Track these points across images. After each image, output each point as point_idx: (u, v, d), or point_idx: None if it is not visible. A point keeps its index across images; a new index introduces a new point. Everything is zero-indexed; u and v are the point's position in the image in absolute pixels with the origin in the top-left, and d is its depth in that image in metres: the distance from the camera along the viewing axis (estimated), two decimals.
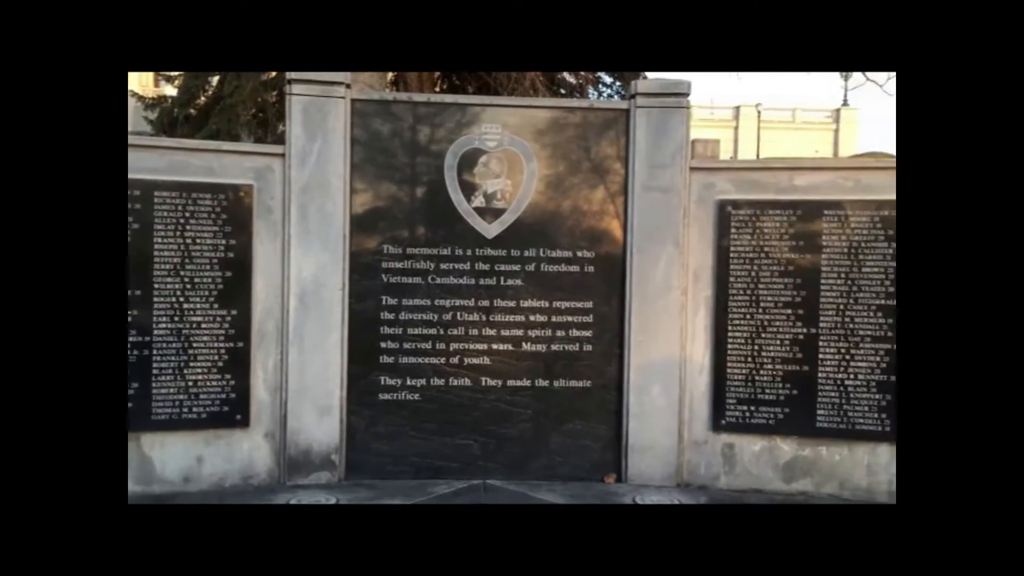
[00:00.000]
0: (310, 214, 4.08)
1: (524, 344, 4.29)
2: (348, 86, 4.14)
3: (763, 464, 4.23)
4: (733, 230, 4.25)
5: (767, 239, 4.21)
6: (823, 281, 4.17)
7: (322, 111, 4.09)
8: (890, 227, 4.08)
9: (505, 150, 4.27)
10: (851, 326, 4.14)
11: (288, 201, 4.07)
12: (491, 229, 4.28)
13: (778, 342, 4.21)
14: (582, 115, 4.37)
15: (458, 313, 4.25)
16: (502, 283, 4.28)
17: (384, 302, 4.21)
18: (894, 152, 6.02)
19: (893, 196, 4.08)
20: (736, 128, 43.25)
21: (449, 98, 4.17)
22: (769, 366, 4.21)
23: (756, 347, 4.22)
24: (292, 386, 4.07)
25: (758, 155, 35.86)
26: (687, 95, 4.30)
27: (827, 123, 44.66)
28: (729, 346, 4.25)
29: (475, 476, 4.21)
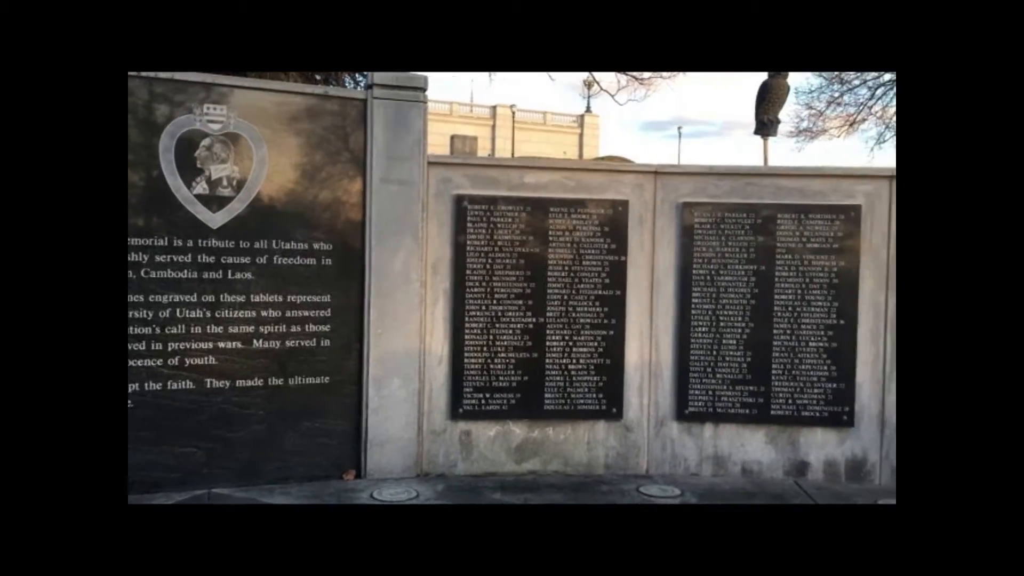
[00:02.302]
0: None
1: (255, 341, 4.04)
2: None
3: (497, 448, 4.44)
4: (469, 224, 4.39)
5: (500, 233, 4.42)
6: (550, 274, 4.48)
7: None
8: (606, 224, 4.51)
9: (230, 133, 3.98)
10: (573, 315, 4.50)
11: None
12: (216, 219, 3.96)
13: (511, 332, 4.44)
14: (318, 102, 4.21)
15: (178, 310, 3.87)
16: (230, 277, 3.98)
17: None
18: (630, 157, 6.78)
19: (609, 195, 4.52)
20: (493, 127, 45.11)
21: (164, 74, 3.76)
22: (503, 355, 4.43)
23: (491, 337, 4.42)
24: None
25: (512, 153, 37.77)
26: (424, 89, 4.34)
27: (573, 127, 48.36)
28: (466, 337, 4.40)
29: (199, 486, 3.89)
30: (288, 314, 4.10)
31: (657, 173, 4.63)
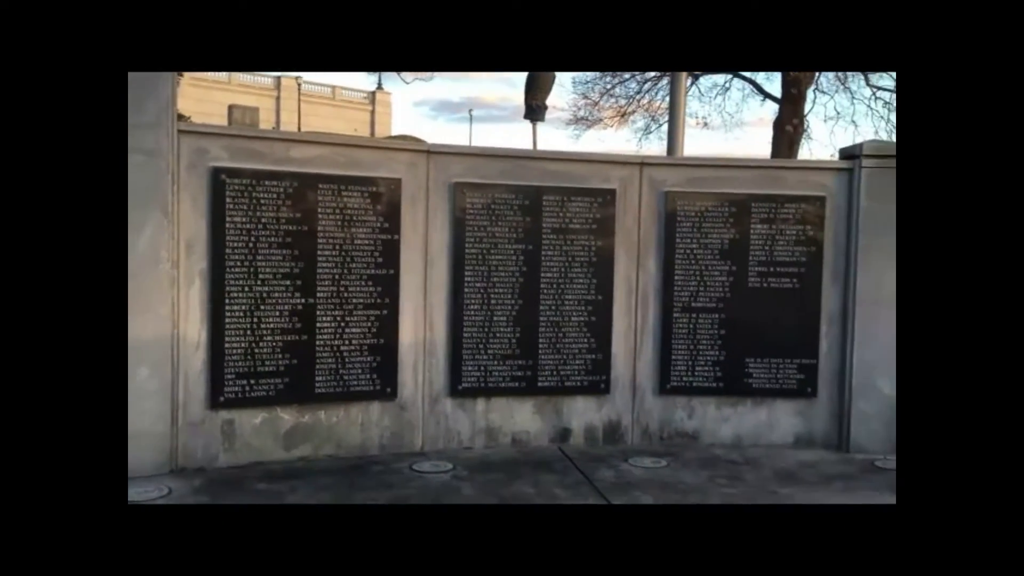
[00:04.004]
0: None
1: None
2: None
3: (264, 436, 4.23)
4: (229, 200, 4.09)
5: (264, 210, 4.17)
6: (320, 252, 4.32)
7: None
8: (379, 202, 4.44)
9: None
10: (346, 295, 4.39)
11: None
12: None
13: (277, 313, 4.22)
14: None
15: None
16: None
17: None
18: (423, 137, 6.67)
19: (382, 173, 4.45)
20: (278, 99, 42.62)
21: None
22: (269, 338, 4.21)
23: (255, 320, 4.17)
24: None
25: (299, 128, 36.02)
26: None
27: (365, 104, 47.17)
28: (227, 320, 4.11)
29: None
30: None
31: (430, 152, 4.64)
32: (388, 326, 4.51)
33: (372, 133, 41.36)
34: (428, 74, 15.24)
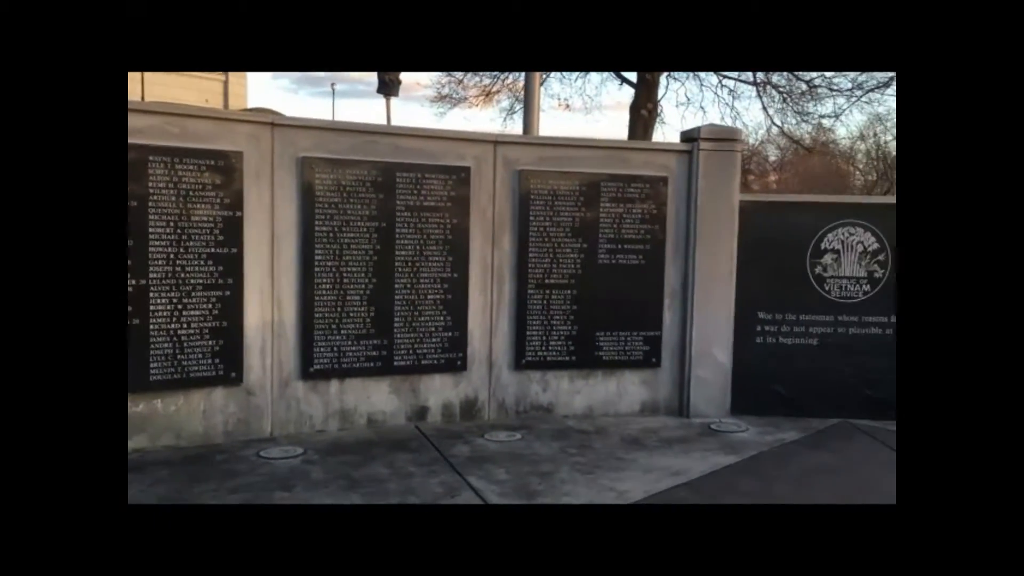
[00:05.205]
0: None
1: None
2: None
3: None
4: None
5: None
6: (152, 230, 4.03)
7: None
8: (219, 176, 4.19)
9: None
10: (183, 276, 4.12)
11: None
12: None
13: None
14: None
15: None
16: None
17: None
18: (280, 111, 6.31)
19: (221, 146, 4.19)
20: None
21: None
22: None
23: None
24: None
25: (142, 98, 33.28)
26: None
27: (218, 74, 44.36)
28: None
29: None
30: None
31: (274, 125, 4.43)
32: (231, 308, 4.28)
33: (225, 105, 38.95)
34: None
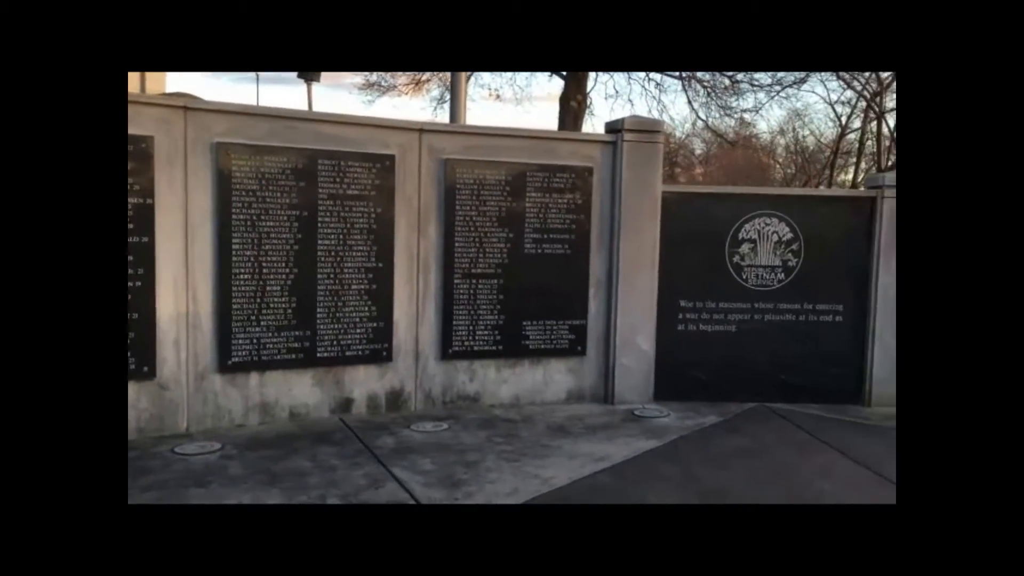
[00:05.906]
0: None
1: None
2: None
3: None
4: None
5: None
6: None
7: None
8: (128, 162, 3.99)
9: None
10: None
11: None
12: None
13: None
14: None
15: None
16: None
17: None
18: (198, 94, 6.01)
19: (129, 130, 3.98)
20: None
21: None
22: None
23: None
24: None
25: None
26: None
27: None
28: None
29: None
30: None
31: (187, 109, 4.24)
32: (142, 299, 4.10)
33: (142, 90, 37.19)
34: None
